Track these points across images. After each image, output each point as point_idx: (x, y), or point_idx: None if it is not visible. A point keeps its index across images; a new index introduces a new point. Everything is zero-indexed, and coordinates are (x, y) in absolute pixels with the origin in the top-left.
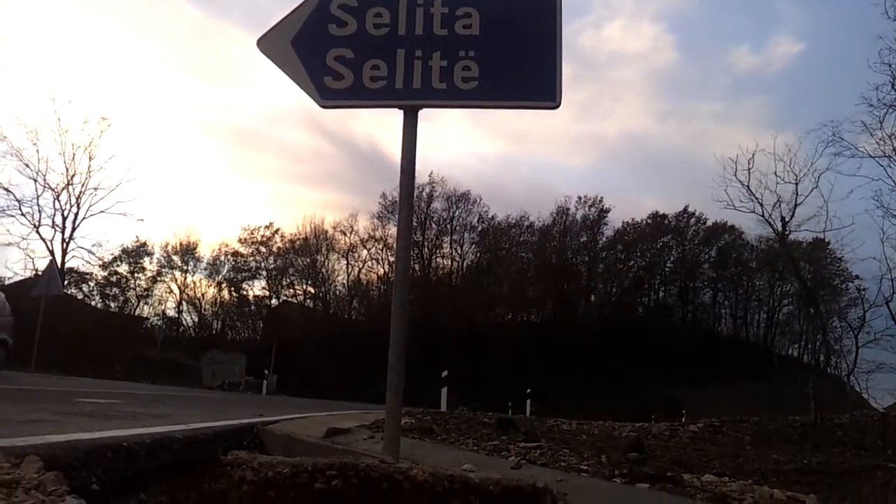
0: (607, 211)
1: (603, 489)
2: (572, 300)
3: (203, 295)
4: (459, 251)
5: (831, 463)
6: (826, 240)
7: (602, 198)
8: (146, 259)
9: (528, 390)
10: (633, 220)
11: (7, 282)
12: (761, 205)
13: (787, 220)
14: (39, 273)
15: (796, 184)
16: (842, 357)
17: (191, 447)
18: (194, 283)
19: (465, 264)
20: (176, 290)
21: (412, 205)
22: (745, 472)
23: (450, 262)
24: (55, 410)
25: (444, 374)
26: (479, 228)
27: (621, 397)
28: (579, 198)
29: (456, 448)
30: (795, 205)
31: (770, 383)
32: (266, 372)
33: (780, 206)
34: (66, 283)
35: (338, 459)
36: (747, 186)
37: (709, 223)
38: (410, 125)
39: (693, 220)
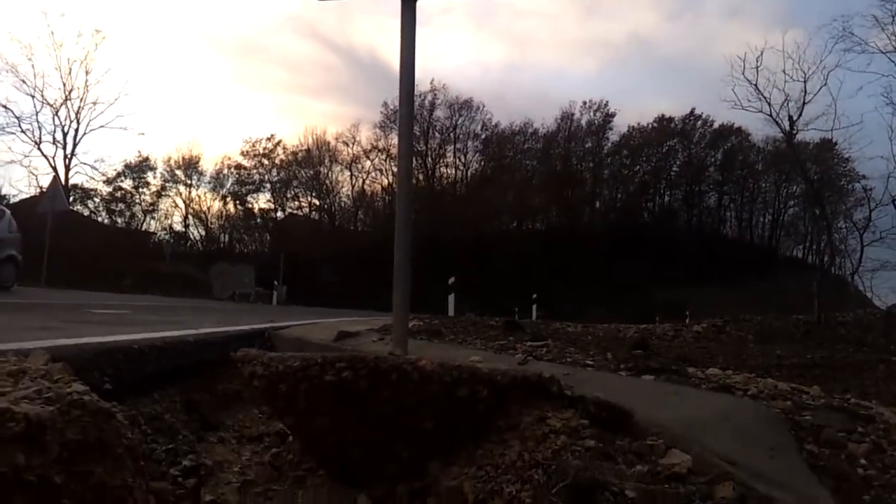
0: (613, 115)
1: (609, 380)
2: (577, 207)
3: (209, 209)
4: (463, 160)
5: (834, 358)
6: (833, 140)
7: (607, 102)
8: (149, 174)
9: (535, 296)
10: (638, 124)
11: (12, 200)
12: (769, 104)
13: (794, 119)
14: (44, 190)
15: (805, 82)
16: (846, 256)
17: (202, 350)
18: (199, 197)
19: (469, 173)
20: (181, 205)
21: (412, 101)
22: (748, 366)
23: (454, 172)
24: (67, 319)
25: (451, 280)
26: (483, 136)
27: (626, 301)
28: (584, 102)
29: (464, 348)
30: (803, 103)
31: (774, 285)
32: (275, 283)
33: (787, 104)
34: (71, 199)
35: (347, 353)
36: (755, 85)
37: (715, 125)
38: (409, 17)
39: (700, 122)
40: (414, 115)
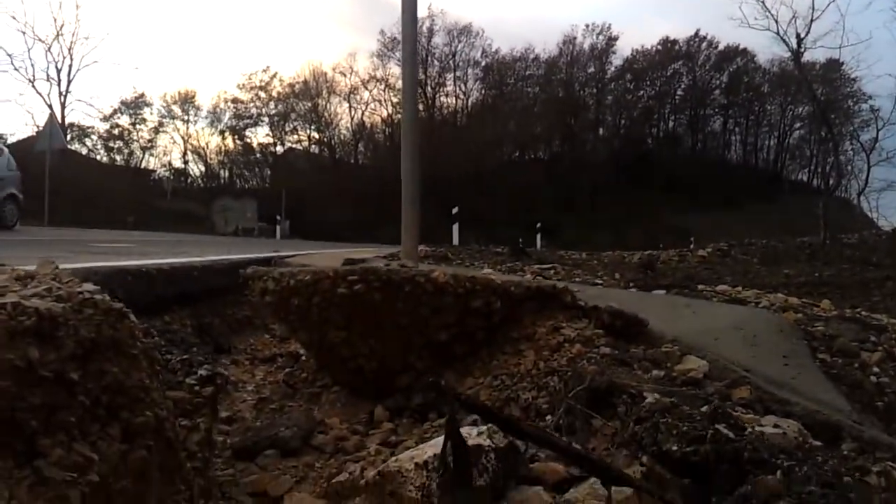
0: (616, 39)
1: (620, 295)
2: (580, 134)
3: (207, 144)
4: (463, 89)
5: (841, 276)
6: (840, 59)
7: (610, 25)
8: (146, 110)
9: (539, 225)
10: (642, 47)
11: (9, 140)
12: (776, 21)
13: (802, 36)
14: (41, 129)
15: None
16: (853, 177)
17: (210, 276)
18: (197, 133)
19: (469, 102)
20: (180, 141)
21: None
22: (756, 284)
23: (454, 101)
24: (73, 251)
25: (455, 210)
26: (483, 64)
27: (631, 230)
28: (587, 25)
29: (473, 269)
30: (811, 20)
31: (780, 209)
32: (278, 217)
33: (795, 21)
34: (68, 137)
35: (359, 266)
36: (762, 2)
37: (720, 47)
38: None
39: (704, 44)
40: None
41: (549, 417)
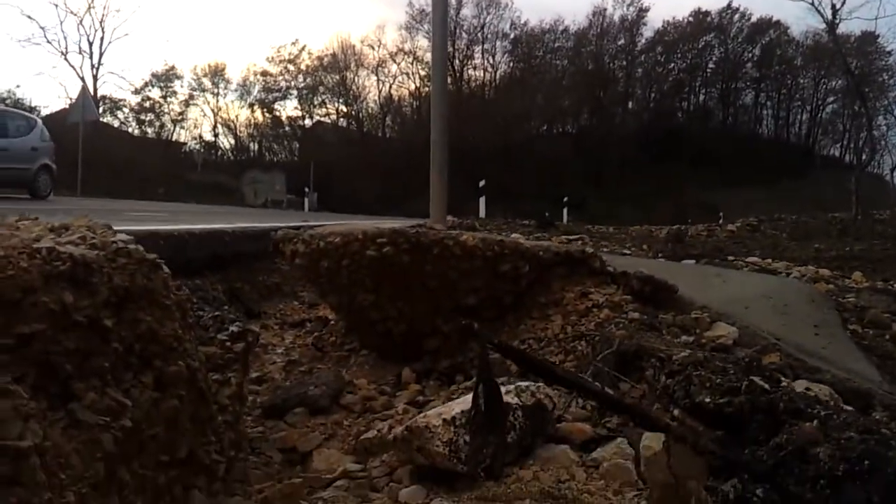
0: (646, 10)
1: (649, 263)
2: (609, 108)
3: (237, 118)
4: (491, 61)
5: (872, 251)
6: (876, 32)
7: None
8: (176, 83)
9: (565, 199)
10: (673, 18)
11: (43, 112)
12: None
13: (837, 7)
14: (73, 101)
15: None
16: (886, 152)
17: (240, 242)
18: (227, 105)
19: (497, 75)
20: (210, 114)
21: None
22: (786, 258)
23: (482, 74)
24: (106, 219)
25: (482, 183)
26: (512, 36)
27: (658, 205)
28: None
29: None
30: None
31: (811, 185)
32: (306, 190)
33: None
34: (100, 110)
35: (388, 228)
36: None
37: (753, 19)
38: None
39: (737, 16)
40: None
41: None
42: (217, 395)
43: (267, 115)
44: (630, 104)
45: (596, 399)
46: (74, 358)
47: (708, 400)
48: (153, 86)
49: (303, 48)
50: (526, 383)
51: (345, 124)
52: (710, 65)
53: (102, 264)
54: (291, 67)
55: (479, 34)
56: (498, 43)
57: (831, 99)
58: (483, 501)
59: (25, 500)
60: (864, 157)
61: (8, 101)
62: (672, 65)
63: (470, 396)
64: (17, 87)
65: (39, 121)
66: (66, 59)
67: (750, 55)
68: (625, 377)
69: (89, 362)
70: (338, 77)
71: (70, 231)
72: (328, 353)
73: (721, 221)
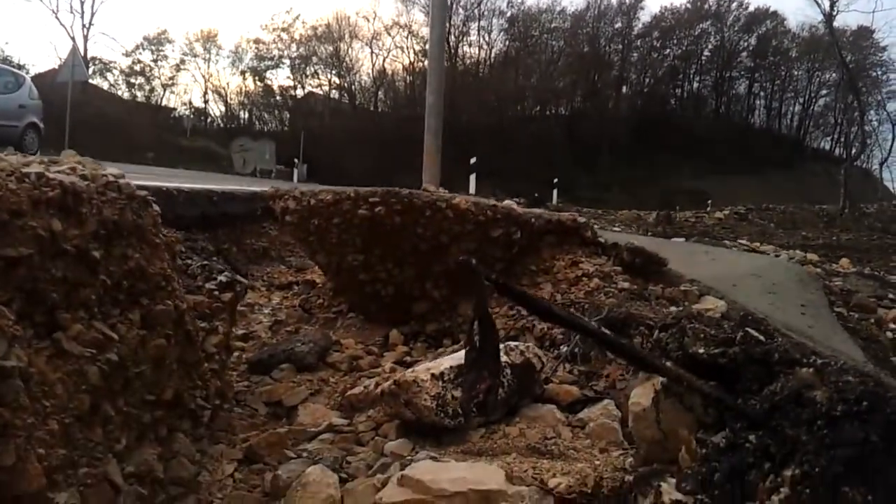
0: None
1: (640, 239)
2: (603, 91)
3: (227, 85)
4: (487, 39)
5: (859, 241)
6: (872, 26)
7: None
8: (168, 47)
9: (555, 180)
10: (671, 4)
11: (32, 72)
12: None
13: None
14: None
15: None
16: (876, 146)
17: (228, 202)
18: (217, 73)
19: (492, 53)
20: (200, 80)
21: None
22: (774, 244)
23: (477, 51)
24: None
25: (473, 161)
26: (509, 14)
27: (648, 190)
28: None
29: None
30: None
31: (800, 176)
32: (296, 161)
33: None
34: (90, 71)
35: (380, 188)
36: None
37: (751, 8)
38: None
39: (735, 4)
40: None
41: (563, 347)
42: (204, 343)
43: (258, 83)
44: (624, 89)
45: (592, 337)
46: (61, 287)
47: (701, 351)
48: (144, 49)
49: (297, 17)
50: (515, 343)
51: (337, 96)
52: (706, 52)
53: (92, 195)
54: (285, 36)
55: (476, 10)
56: (495, 20)
57: (824, 92)
58: (469, 455)
59: (8, 422)
60: (854, 150)
61: None
62: (668, 51)
63: (459, 354)
64: (6, 43)
65: (28, 78)
66: (56, 17)
67: (746, 44)
68: None
69: (76, 293)
70: (331, 48)
71: (60, 163)
72: (315, 315)
73: (709, 209)
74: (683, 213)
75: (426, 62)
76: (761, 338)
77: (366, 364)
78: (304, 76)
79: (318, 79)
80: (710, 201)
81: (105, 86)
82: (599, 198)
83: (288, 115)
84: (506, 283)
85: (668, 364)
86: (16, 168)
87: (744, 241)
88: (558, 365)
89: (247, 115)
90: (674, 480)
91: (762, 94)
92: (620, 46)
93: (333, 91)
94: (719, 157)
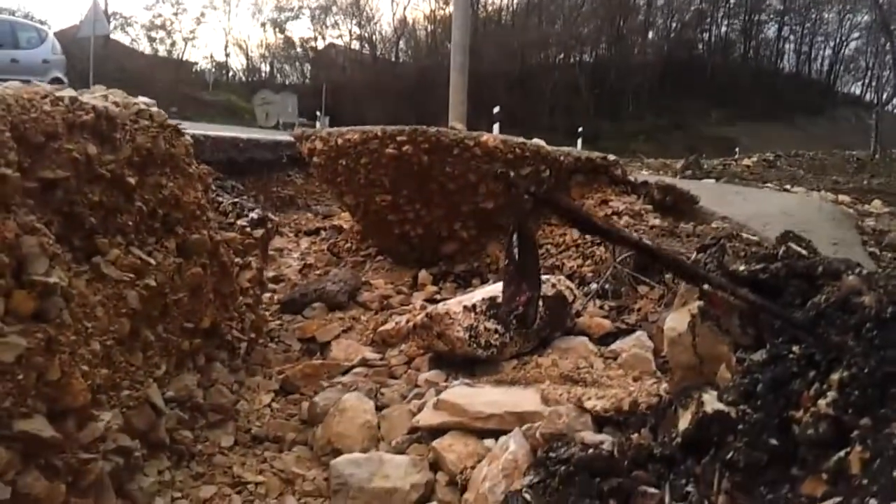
0: None
1: (673, 181)
2: (628, 37)
3: (248, 38)
4: None
5: (891, 184)
6: None
7: None
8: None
9: (580, 129)
10: None
11: (53, 28)
12: None
13: None
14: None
15: None
16: None
17: (254, 148)
18: (238, 26)
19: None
20: (221, 33)
21: None
22: (805, 188)
23: None
24: None
25: (496, 110)
26: None
27: (674, 138)
28: None
29: None
30: None
31: (830, 122)
32: (318, 113)
33: None
34: (112, 26)
35: (408, 126)
36: None
37: None
38: None
39: None
40: None
41: (593, 285)
42: (238, 278)
43: (279, 34)
44: (650, 34)
45: (635, 248)
46: (98, 212)
47: (742, 268)
48: (164, 2)
49: None
50: (546, 276)
51: (357, 47)
52: None
53: (125, 121)
54: None
55: None
56: None
57: (856, 35)
58: (502, 384)
59: (52, 338)
60: (885, 94)
61: (18, 14)
62: None
63: (491, 287)
64: None
65: (51, 33)
66: None
67: None
68: (644, 278)
69: (113, 219)
70: None
71: (91, 91)
72: (344, 259)
73: (737, 156)
74: (710, 161)
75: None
76: (804, 252)
77: (396, 303)
78: (324, 27)
79: (339, 29)
80: (737, 149)
81: (126, 41)
82: (625, 147)
83: (309, 68)
84: (545, 194)
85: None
86: (49, 91)
87: (774, 184)
88: (589, 300)
89: (268, 68)
90: (715, 392)
91: (792, 37)
92: None
93: (354, 42)
94: (747, 104)
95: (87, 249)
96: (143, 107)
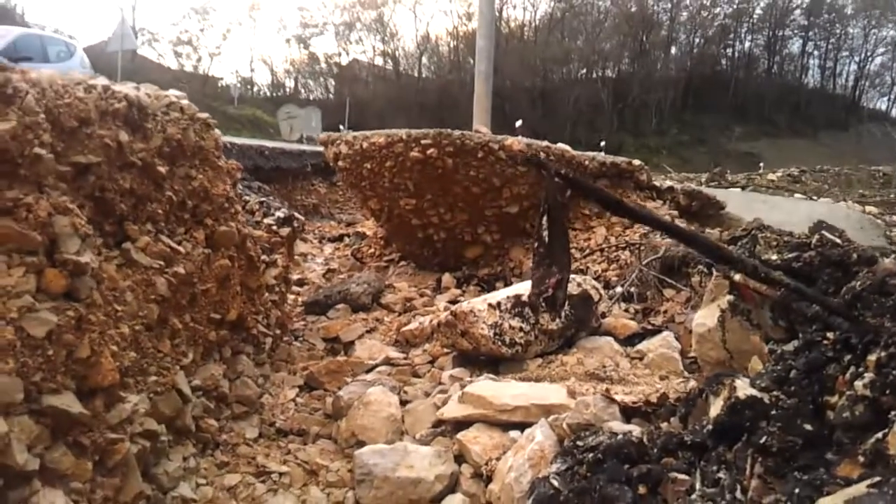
0: None
1: (699, 187)
2: (651, 52)
3: (273, 54)
4: (532, 0)
5: None
6: None
7: None
8: (213, 13)
9: (602, 143)
10: None
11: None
12: None
13: None
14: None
15: None
16: None
17: (279, 157)
18: (263, 42)
19: (537, 15)
20: (246, 49)
21: None
22: (832, 199)
23: (522, 14)
24: None
25: (518, 123)
26: None
27: (697, 153)
28: None
29: None
30: None
31: (855, 138)
32: (341, 127)
33: None
34: (138, 41)
35: (433, 130)
36: None
37: None
38: None
39: None
40: None
41: (618, 287)
42: (264, 275)
43: (303, 50)
44: (673, 49)
45: (665, 230)
46: (129, 199)
47: (774, 257)
48: (190, 18)
49: None
50: (571, 276)
51: (381, 62)
52: (758, 10)
53: (156, 112)
54: (328, 2)
55: None
56: None
57: (881, 50)
58: (527, 380)
59: (83, 316)
60: None
61: (47, 29)
62: (718, 9)
63: (516, 286)
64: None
65: (80, 47)
66: None
67: (799, 1)
68: (671, 281)
69: (144, 207)
70: (375, 13)
71: (124, 83)
72: (367, 264)
73: (761, 171)
74: (735, 175)
75: (470, 24)
76: (838, 240)
77: (419, 305)
78: (348, 43)
79: (363, 45)
80: (761, 164)
81: (153, 56)
82: (647, 161)
83: (333, 83)
84: (575, 177)
85: (737, 282)
86: (83, 79)
87: (802, 195)
88: (615, 302)
89: (293, 83)
90: (747, 379)
91: (816, 52)
92: (669, 5)
93: (377, 57)
94: (771, 119)
95: (117, 235)
96: (174, 99)
